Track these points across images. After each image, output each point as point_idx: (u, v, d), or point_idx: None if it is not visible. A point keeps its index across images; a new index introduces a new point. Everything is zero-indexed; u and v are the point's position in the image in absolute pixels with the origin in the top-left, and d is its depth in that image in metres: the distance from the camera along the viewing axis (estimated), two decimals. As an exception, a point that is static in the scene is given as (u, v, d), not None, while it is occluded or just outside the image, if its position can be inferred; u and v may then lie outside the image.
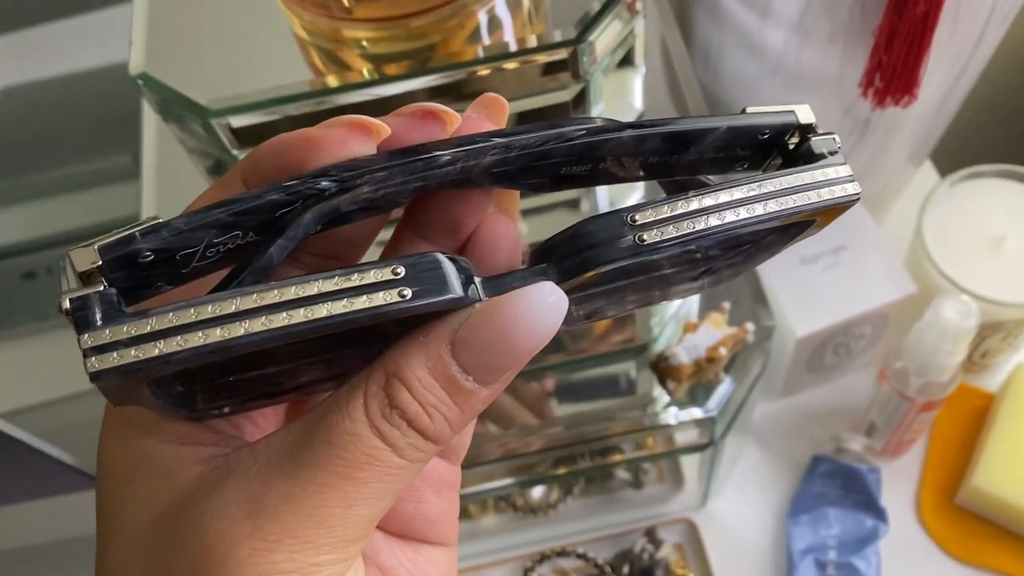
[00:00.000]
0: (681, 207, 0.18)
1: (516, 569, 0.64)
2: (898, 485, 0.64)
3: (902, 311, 0.61)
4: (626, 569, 0.62)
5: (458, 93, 0.38)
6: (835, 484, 0.63)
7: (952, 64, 0.55)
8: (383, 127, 0.19)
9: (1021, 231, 0.60)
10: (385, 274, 0.17)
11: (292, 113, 0.36)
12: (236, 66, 0.40)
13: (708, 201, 0.19)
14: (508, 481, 0.57)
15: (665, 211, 0.18)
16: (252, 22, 0.41)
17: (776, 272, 0.61)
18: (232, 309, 0.16)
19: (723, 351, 0.52)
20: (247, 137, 0.37)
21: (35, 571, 0.67)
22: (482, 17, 0.39)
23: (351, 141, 0.19)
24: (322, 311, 0.16)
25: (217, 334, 0.16)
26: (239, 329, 0.16)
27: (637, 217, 0.18)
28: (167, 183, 0.48)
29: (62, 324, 0.70)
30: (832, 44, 0.52)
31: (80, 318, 0.16)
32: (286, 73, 0.38)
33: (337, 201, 0.18)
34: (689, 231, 0.18)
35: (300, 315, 0.16)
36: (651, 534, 0.64)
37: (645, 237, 0.18)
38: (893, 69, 0.50)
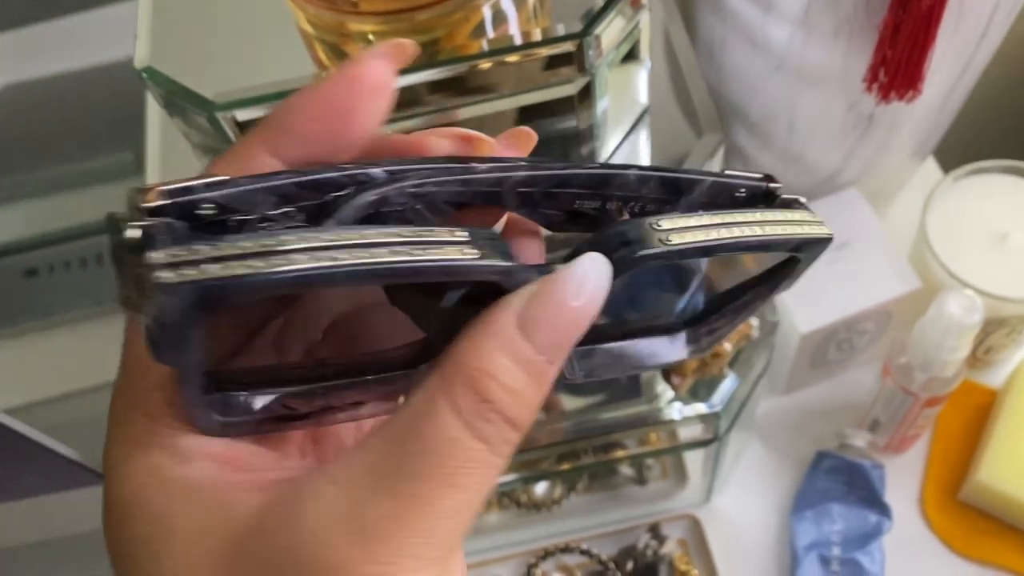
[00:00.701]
0: (695, 220, 0.20)
1: (520, 565, 0.64)
2: (902, 481, 0.64)
3: (906, 307, 0.61)
4: (630, 565, 0.62)
5: (463, 87, 0.38)
6: (839, 480, 0.63)
7: (956, 59, 0.54)
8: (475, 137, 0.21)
9: (1025, 226, 0.60)
10: (455, 235, 0.17)
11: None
12: (241, 60, 0.40)
13: (717, 220, 0.20)
14: (512, 477, 0.57)
15: (681, 222, 0.20)
16: (257, 16, 0.41)
17: (780, 268, 0.61)
18: (317, 243, 0.16)
19: (727, 347, 0.52)
20: (252, 130, 0.37)
21: (40, 568, 0.67)
22: (487, 11, 0.39)
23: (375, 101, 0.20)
24: (401, 256, 0.16)
25: (303, 261, 0.16)
26: (326, 260, 0.16)
27: (661, 223, 0.19)
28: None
29: (64, 321, 0.69)
30: (836, 39, 0.52)
31: (148, 240, 0.15)
32: (291, 67, 0.38)
33: (386, 191, 0.19)
34: (706, 238, 0.20)
35: (383, 254, 0.16)
36: (655, 530, 0.64)
37: (672, 238, 0.19)
38: (897, 64, 0.50)
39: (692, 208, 0.23)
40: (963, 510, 0.62)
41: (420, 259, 0.16)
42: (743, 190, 0.24)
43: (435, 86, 0.38)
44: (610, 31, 0.38)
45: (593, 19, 0.37)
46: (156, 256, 0.15)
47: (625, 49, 0.41)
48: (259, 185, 0.17)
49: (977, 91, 0.63)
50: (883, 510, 0.62)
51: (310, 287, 0.16)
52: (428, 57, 0.37)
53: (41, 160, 0.86)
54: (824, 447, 0.65)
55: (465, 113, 0.40)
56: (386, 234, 0.16)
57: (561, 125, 0.42)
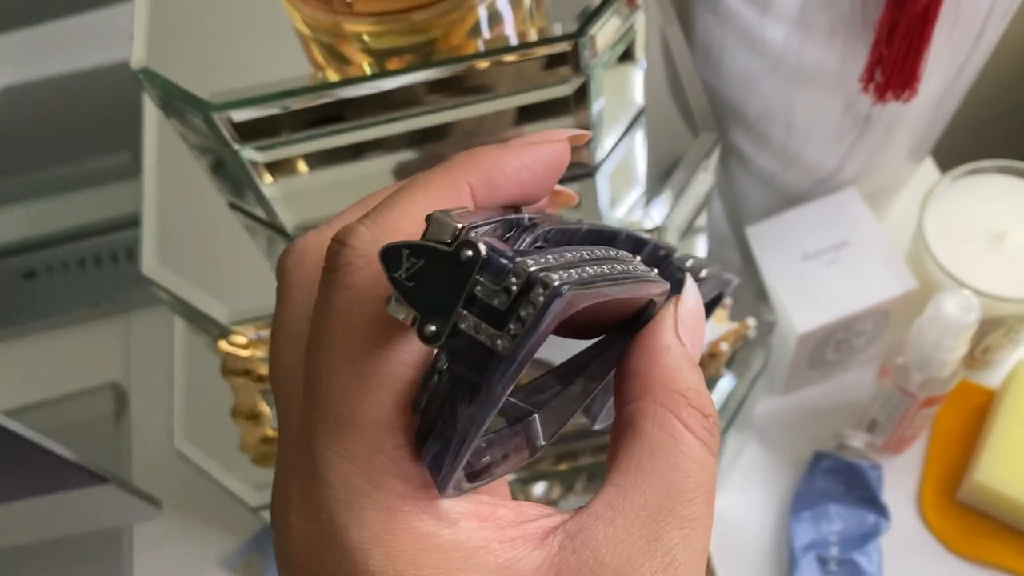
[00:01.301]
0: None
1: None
2: (900, 481, 0.64)
3: (903, 307, 0.61)
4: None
5: (459, 87, 0.38)
6: (837, 480, 0.63)
7: (953, 59, 0.55)
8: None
9: (1022, 226, 0.60)
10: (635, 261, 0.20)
11: (293, 107, 0.36)
12: (237, 61, 0.40)
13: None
14: (510, 478, 0.57)
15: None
16: (253, 17, 0.41)
17: (777, 268, 0.61)
18: (607, 262, 0.18)
19: (724, 347, 0.52)
20: (248, 131, 0.37)
21: (35, 568, 0.67)
22: (482, 12, 0.39)
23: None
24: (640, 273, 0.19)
25: (613, 272, 0.18)
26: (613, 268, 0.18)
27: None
28: (168, 181, 0.48)
29: (63, 323, 0.69)
30: (833, 39, 0.52)
31: (490, 256, 0.16)
32: (288, 68, 0.38)
33: (529, 235, 0.20)
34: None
35: (639, 271, 0.19)
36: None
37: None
38: (894, 63, 0.50)
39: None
40: (961, 510, 0.62)
41: (648, 277, 0.20)
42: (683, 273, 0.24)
43: (432, 86, 0.38)
44: (605, 31, 0.38)
45: (588, 19, 0.37)
46: (525, 263, 0.16)
47: (621, 49, 0.41)
48: (505, 217, 0.19)
49: (974, 92, 0.63)
50: (881, 511, 0.62)
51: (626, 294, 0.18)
52: (424, 58, 0.37)
53: (39, 161, 0.86)
54: (822, 448, 0.65)
55: (463, 113, 0.40)
56: (609, 259, 0.19)
57: (558, 126, 0.42)
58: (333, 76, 0.37)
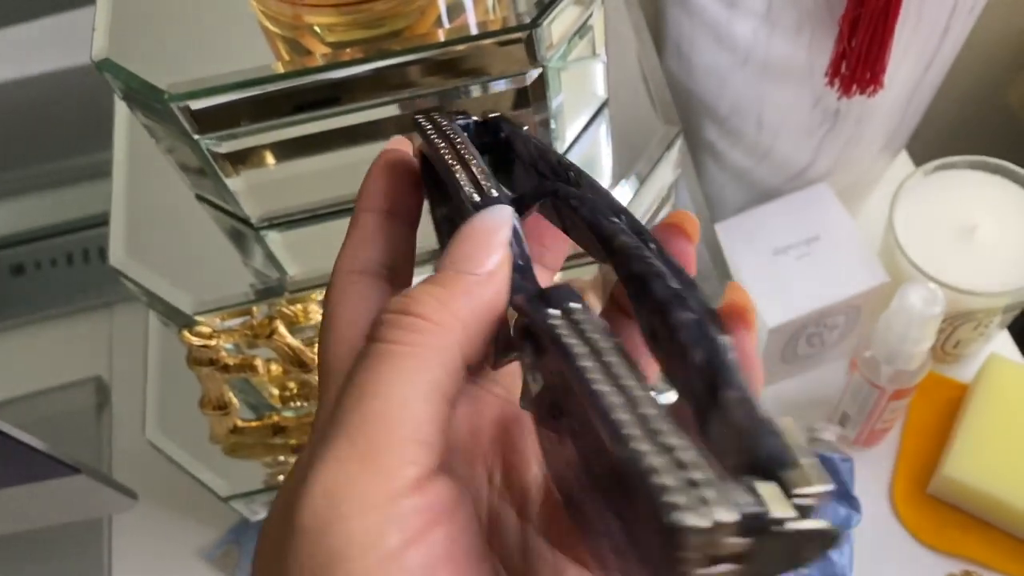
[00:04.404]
0: None
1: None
2: (872, 475, 0.64)
3: (875, 301, 0.61)
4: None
5: (417, 78, 0.38)
6: (808, 473, 0.63)
7: (919, 54, 0.55)
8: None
9: (992, 221, 0.60)
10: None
11: (252, 96, 0.37)
12: (200, 52, 0.40)
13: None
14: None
15: None
16: (216, 8, 0.41)
17: (748, 262, 0.61)
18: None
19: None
20: (207, 121, 0.38)
21: (15, 559, 0.68)
22: (443, 3, 0.40)
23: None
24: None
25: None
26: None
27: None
28: (137, 174, 0.49)
29: (47, 318, 0.69)
30: (799, 34, 0.53)
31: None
32: (253, 60, 0.38)
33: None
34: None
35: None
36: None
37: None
38: (858, 57, 0.50)
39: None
40: (931, 503, 0.63)
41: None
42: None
43: (390, 78, 0.38)
44: (562, 22, 0.39)
45: (543, 10, 0.37)
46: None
47: (580, 42, 0.42)
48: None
49: (948, 88, 0.64)
50: (852, 503, 0.62)
51: None
52: (381, 48, 0.37)
53: (27, 159, 0.87)
54: (795, 441, 0.65)
55: (422, 105, 0.40)
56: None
57: (519, 117, 0.42)
58: (292, 66, 0.37)
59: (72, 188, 0.86)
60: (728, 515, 0.15)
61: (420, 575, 0.17)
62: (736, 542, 0.15)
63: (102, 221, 0.82)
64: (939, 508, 0.62)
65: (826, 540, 0.16)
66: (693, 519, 0.14)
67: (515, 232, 0.22)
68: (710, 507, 0.15)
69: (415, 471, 0.18)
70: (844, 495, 0.62)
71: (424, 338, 0.19)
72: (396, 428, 0.18)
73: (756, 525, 0.15)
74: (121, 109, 0.51)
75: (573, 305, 0.19)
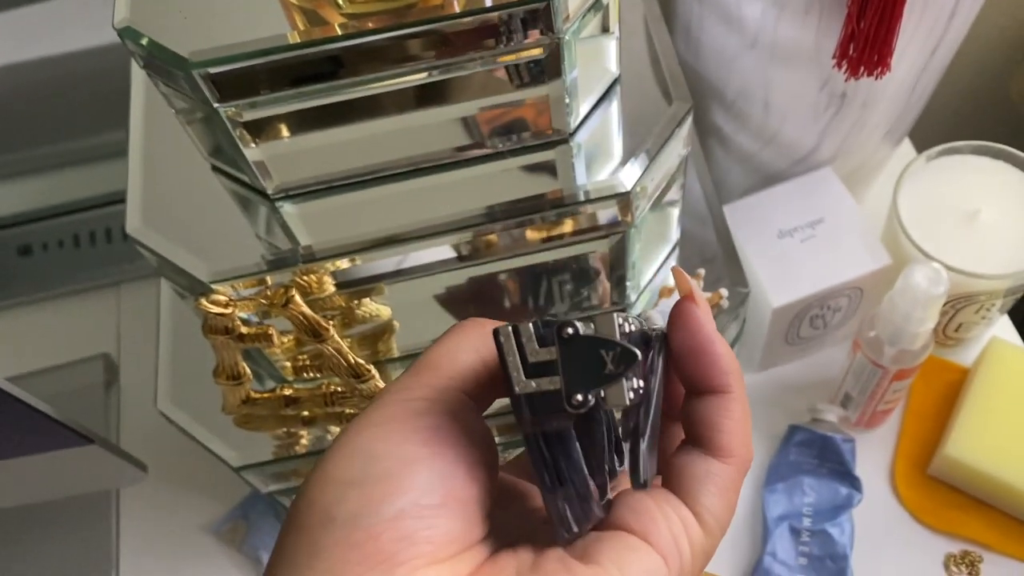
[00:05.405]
0: None
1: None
2: (873, 455, 0.65)
3: (877, 284, 0.62)
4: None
5: (436, 47, 0.39)
6: (810, 453, 0.64)
7: (925, 39, 0.56)
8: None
9: (995, 205, 0.61)
10: None
11: (273, 63, 0.37)
12: (219, 22, 0.41)
13: None
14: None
15: None
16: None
17: (753, 244, 0.62)
18: None
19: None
20: (228, 89, 0.38)
21: (24, 532, 0.68)
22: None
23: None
24: None
25: None
26: None
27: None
28: (154, 144, 0.49)
29: (55, 296, 0.70)
30: (808, 16, 0.54)
31: None
32: (270, 29, 0.39)
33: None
34: None
35: None
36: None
37: None
38: (866, 40, 0.51)
39: None
40: (932, 484, 0.64)
41: None
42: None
43: (408, 47, 0.39)
44: (577, -5, 0.39)
45: (559, -18, 0.38)
46: None
47: (593, 17, 0.42)
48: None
49: (952, 76, 0.64)
50: (853, 483, 0.63)
51: None
52: (399, 18, 0.38)
53: (35, 138, 0.87)
54: (797, 422, 0.66)
55: (439, 76, 0.41)
56: None
57: (533, 93, 0.43)
58: (313, 33, 0.38)
59: (79, 169, 0.86)
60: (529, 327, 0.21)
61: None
62: (544, 350, 0.21)
63: (108, 202, 0.83)
64: (939, 489, 0.63)
65: (623, 353, 0.20)
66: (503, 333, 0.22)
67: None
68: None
69: None
70: (846, 475, 0.63)
71: None
72: None
73: (551, 333, 0.21)
74: (137, 83, 0.51)
75: None
